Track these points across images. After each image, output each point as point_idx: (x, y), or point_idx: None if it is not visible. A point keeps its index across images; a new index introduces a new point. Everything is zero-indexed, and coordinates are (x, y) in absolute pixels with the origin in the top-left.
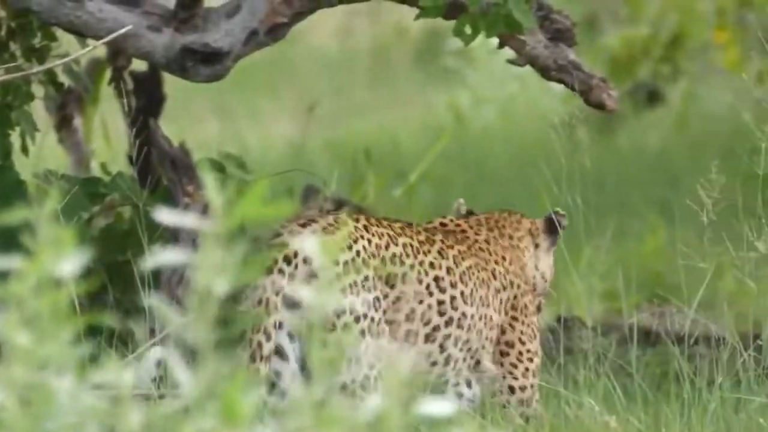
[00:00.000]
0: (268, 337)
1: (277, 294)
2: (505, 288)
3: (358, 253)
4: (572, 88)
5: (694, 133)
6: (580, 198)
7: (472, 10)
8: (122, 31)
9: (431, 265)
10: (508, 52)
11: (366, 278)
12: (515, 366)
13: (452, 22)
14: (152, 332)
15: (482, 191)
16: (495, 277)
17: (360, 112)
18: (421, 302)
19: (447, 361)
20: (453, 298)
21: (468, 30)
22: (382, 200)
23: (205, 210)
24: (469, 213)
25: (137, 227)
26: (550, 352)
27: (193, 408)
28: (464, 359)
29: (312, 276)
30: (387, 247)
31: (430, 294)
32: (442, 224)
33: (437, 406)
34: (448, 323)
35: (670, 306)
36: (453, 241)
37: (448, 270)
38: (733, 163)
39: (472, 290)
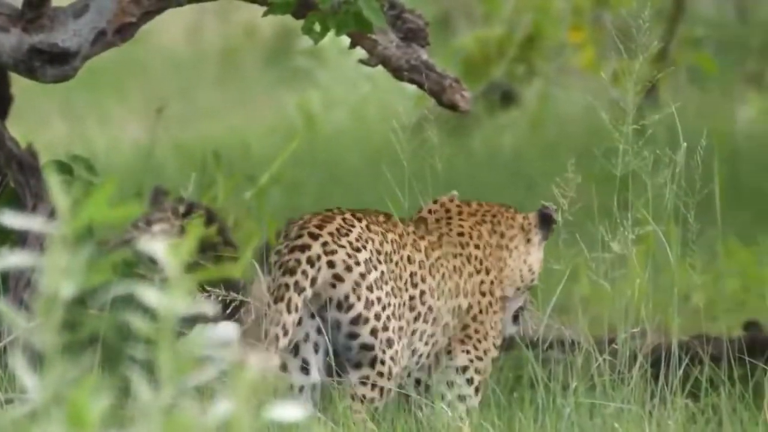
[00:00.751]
0: (285, 333)
1: (299, 294)
2: (479, 272)
3: (373, 251)
4: (425, 89)
5: (549, 135)
6: (430, 200)
7: (322, 8)
8: None
9: (409, 259)
10: (360, 52)
11: (383, 273)
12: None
13: (302, 22)
14: None
15: (334, 194)
16: (469, 262)
17: (209, 114)
18: (396, 297)
19: (412, 355)
20: (422, 293)
21: (317, 28)
22: (231, 203)
23: (52, 213)
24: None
25: None
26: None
27: (40, 413)
28: (428, 354)
29: (336, 278)
30: (382, 244)
31: (406, 290)
32: (431, 211)
33: (286, 411)
34: (416, 318)
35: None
36: (423, 232)
37: (420, 264)
38: (588, 164)
39: (439, 282)
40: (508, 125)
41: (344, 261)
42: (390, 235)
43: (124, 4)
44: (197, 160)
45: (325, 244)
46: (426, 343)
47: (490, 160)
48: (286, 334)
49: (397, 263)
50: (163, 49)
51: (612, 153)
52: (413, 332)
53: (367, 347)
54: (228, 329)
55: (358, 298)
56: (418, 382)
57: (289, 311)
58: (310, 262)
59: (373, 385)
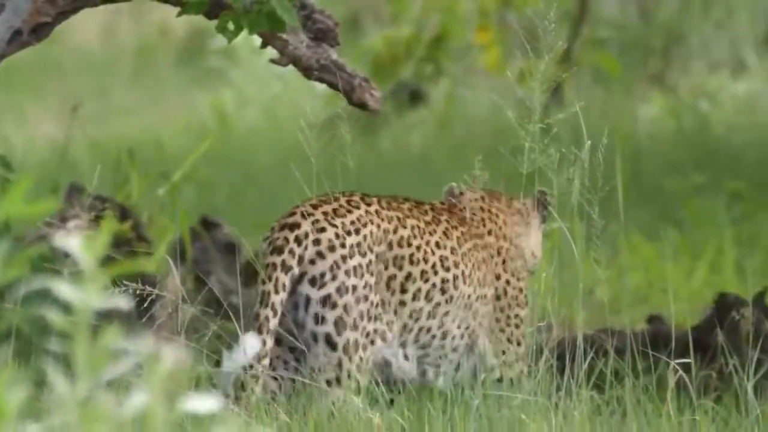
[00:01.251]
0: (275, 313)
1: (286, 273)
2: (499, 253)
3: (365, 237)
4: (335, 88)
5: (456, 134)
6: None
7: (235, 7)
8: None
9: (437, 245)
10: (271, 52)
11: (370, 262)
12: (503, 330)
13: (215, 22)
14: None
15: (246, 192)
16: (492, 253)
17: (124, 112)
18: (426, 281)
19: (444, 337)
20: (455, 277)
21: (231, 27)
22: (145, 199)
23: None
24: (462, 195)
25: None
26: None
27: None
28: (462, 336)
29: (318, 255)
30: (395, 230)
31: (435, 273)
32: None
33: (202, 404)
34: (448, 301)
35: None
36: (457, 222)
37: (452, 250)
38: (495, 162)
39: (471, 271)
40: (416, 124)
41: (330, 240)
42: (410, 221)
43: (39, 4)
44: (112, 157)
45: (315, 222)
46: (458, 326)
47: (399, 158)
48: (275, 314)
49: (419, 248)
50: (78, 49)
51: (518, 151)
52: (446, 313)
53: (330, 343)
54: (252, 341)
55: (333, 278)
56: (457, 366)
57: (276, 291)
58: (298, 240)
59: (338, 383)
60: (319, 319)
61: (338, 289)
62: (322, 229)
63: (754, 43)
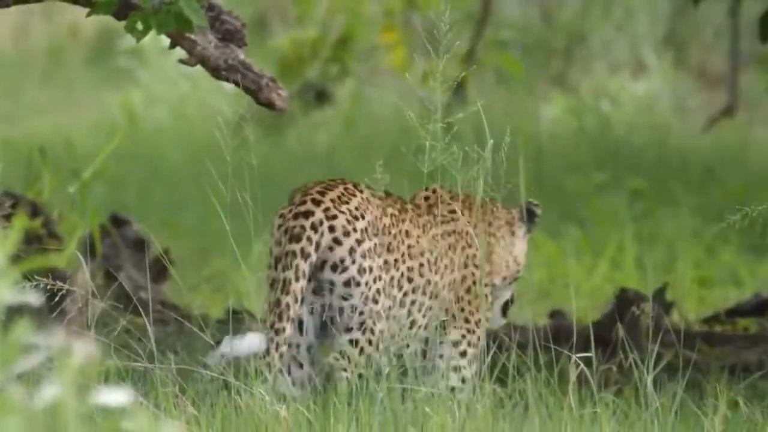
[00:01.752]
0: (296, 300)
1: (306, 260)
2: (470, 246)
3: (369, 222)
4: (242, 88)
5: (361, 133)
6: (249, 196)
7: (143, 7)
8: None
9: (407, 233)
10: (180, 53)
11: (375, 245)
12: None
13: (125, 22)
14: None
15: (155, 190)
16: (462, 237)
17: (35, 112)
18: (397, 269)
19: (411, 326)
20: (421, 265)
21: (140, 27)
22: (56, 197)
23: None
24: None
25: None
26: (218, 344)
27: None
28: (425, 326)
29: (335, 242)
30: (380, 218)
31: (404, 261)
32: (425, 198)
33: (112, 397)
34: (414, 290)
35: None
36: (424, 210)
37: (418, 239)
38: (400, 161)
39: (437, 258)
40: (322, 123)
41: (343, 226)
42: (390, 209)
43: None
44: (23, 155)
45: (326, 209)
46: (423, 315)
47: (305, 156)
48: (296, 301)
49: (395, 236)
50: None
51: (421, 150)
52: (412, 302)
53: (357, 310)
54: (255, 340)
55: (353, 262)
56: (424, 354)
57: (297, 279)
58: (314, 227)
59: (361, 350)
60: (347, 297)
61: (359, 271)
62: (334, 216)
63: (654, 44)
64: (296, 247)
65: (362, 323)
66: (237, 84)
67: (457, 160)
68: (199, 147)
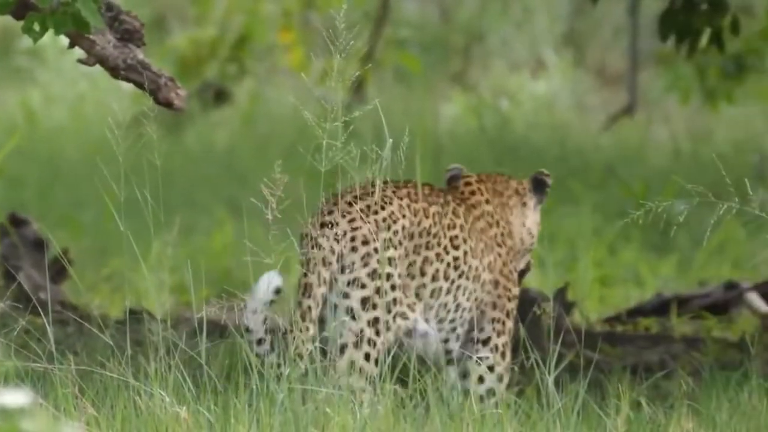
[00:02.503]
0: (318, 304)
1: (327, 267)
2: (491, 226)
3: (396, 232)
4: (141, 87)
5: (260, 132)
6: (149, 194)
7: (41, 8)
8: None
9: (449, 226)
10: (79, 52)
11: (399, 256)
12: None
13: (23, 22)
14: None
15: (55, 189)
16: (490, 217)
17: None
18: (441, 261)
19: (456, 309)
20: (465, 253)
21: (37, 28)
22: None
23: None
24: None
25: None
26: (118, 344)
27: None
28: (470, 309)
29: (353, 249)
30: (421, 221)
31: (447, 252)
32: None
33: (11, 398)
34: (460, 276)
35: (237, 300)
36: (460, 200)
37: (461, 228)
38: (296, 161)
39: (476, 243)
40: (221, 122)
41: (364, 236)
42: (432, 209)
43: None
44: None
45: (352, 221)
46: (468, 299)
47: (205, 155)
48: (318, 305)
49: (435, 235)
50: None
51: (320, 149)
52: (458, 288)
53: (354, 316)
54: (273, 276)
55: (365, 265)
56: (448, 354)
57: (319, 284)
58: (337, 238)
59: (352, 363)
60: (345, 297)
61: (369, 275)
62: (358, 228)
63: (553, 43)
64: (319, 255)
65: (360, 332)
66: (136, 83)
67: (355, 159)
68: (97, 146)
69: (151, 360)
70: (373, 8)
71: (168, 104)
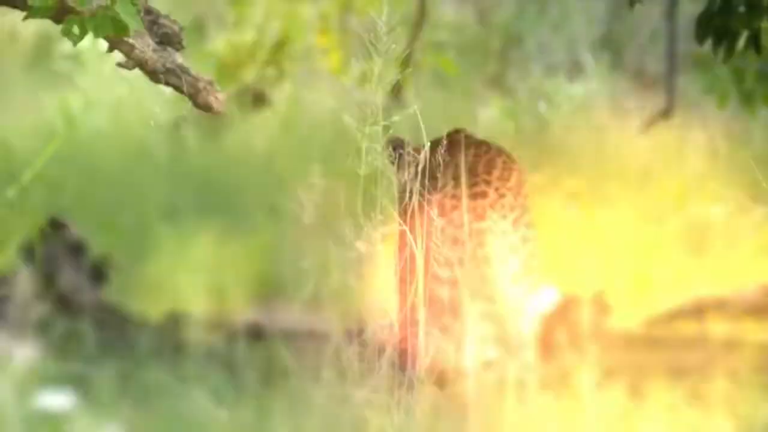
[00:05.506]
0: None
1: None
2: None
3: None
4: (180, 91)
5: (299, 136)
6: (188, 198)
7: (80, 11)
8: None
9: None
10: (118, 56)
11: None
12: None
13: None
14: None
15: (94, 193)
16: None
17: None
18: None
19: None
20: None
21: (76, 30)
22: None
23: None
24: None
25: None
26: (158, 347)
27: None
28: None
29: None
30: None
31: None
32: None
33: (52, 400)
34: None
35: (277, 303)
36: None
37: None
38: (335, 164)
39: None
40: (259, 126)
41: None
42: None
43: None
44: None
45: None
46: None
47: (243, 159)
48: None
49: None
50: None
51: (357, 153)
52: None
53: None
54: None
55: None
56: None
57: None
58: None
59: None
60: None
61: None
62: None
63: (590, 46)
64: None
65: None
66: (175, 87)
67: (394, 163)
68: (136, 150)
69: (190, 363)
70: (410, 11)
71: (207, 108)
